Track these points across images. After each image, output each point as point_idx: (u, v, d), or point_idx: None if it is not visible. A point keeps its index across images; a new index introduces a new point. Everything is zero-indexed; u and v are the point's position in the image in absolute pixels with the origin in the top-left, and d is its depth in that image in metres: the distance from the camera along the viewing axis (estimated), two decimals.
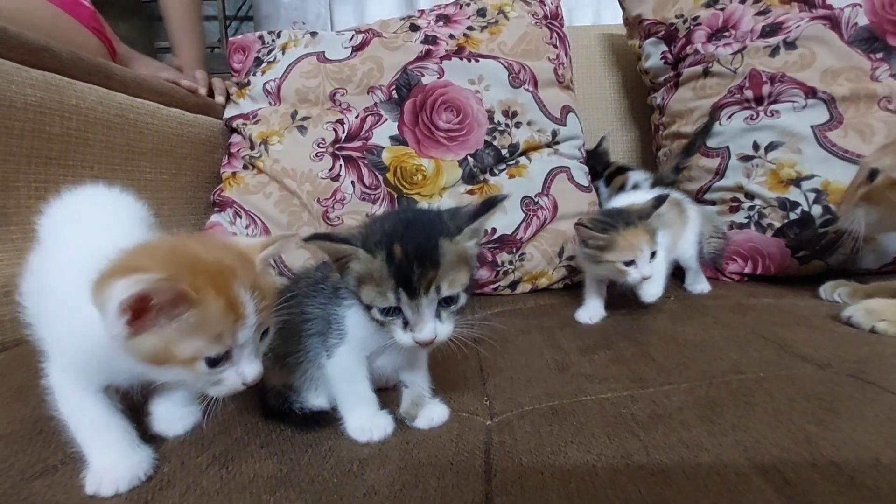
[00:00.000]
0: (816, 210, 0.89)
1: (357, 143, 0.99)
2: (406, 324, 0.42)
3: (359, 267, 0.43)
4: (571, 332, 0.76)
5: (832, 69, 0.92)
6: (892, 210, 0.68)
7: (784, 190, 0.92)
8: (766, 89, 0.95)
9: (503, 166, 1.01)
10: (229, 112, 1.11)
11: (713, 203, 1.03)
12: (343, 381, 0.48)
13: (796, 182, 0.90)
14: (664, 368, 0.57)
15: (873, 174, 0.70)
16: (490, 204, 0.44)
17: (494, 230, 0.95)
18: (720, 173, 1.00)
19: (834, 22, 0.93)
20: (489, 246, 0.94)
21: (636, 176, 1.19)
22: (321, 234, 0.43)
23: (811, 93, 0.91)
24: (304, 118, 1.03)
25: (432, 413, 0.49)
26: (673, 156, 1.09)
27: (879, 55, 0.92)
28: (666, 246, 0.86)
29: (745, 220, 0.96)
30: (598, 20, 1.87)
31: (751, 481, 0.35)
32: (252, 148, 1.02)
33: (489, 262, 0.95)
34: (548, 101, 1.06)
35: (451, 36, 1.09)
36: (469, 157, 0.98)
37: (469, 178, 0.97)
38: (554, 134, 1.06)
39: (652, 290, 0.80)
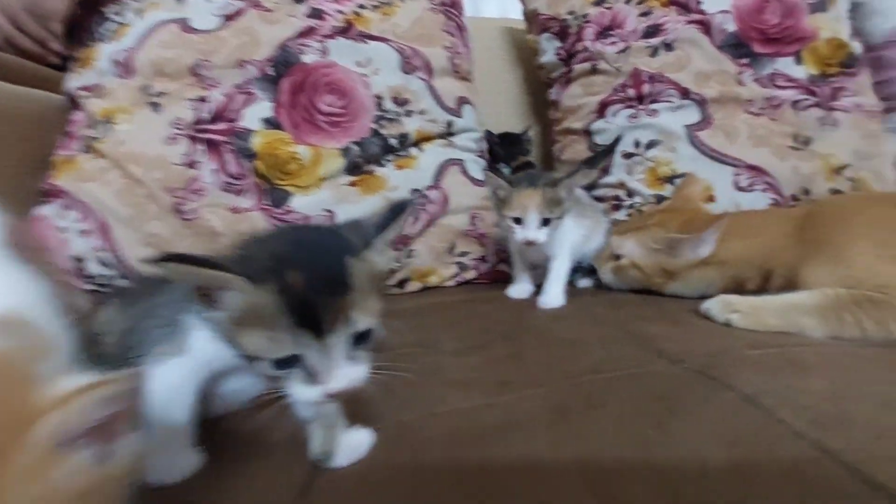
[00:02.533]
0: None
1: (222, 125, 0.87)
2: (309, 374, 0.33)
3: (237, 303, 0.32)
4: (453, 332, 0.72)
5: (704, 72, 0.96)
6: (637, 281, 0.82)
7: (661, 187, 0.95)
8: (646, 88, 0.97)
9: (391, 157, 0.94)
10: (69, 82, 0.93)
11: (601, 200, 1.04)
12: (159, 402, 0.37)
13: (671, 179, 0.94)
14: (530, 371, 0.55)
15: (618, 257, 0.84)
16: (399, 209, 0.37)
17: None
18: (606, 170, 1.02)
19: (706, 26, 0.98)
20: None
21: None
22: (177, 256, 0.30)
23: (685, 93, 0.95)
24: (160, 94, 0.89)
25: (353, 443, 0.40)
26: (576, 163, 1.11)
27: (745, 61, 0.98)
28: (576, 239, 0.87)
29: (627, 218, 0.98)
30: (504, 13, 1.87)
31: (582, 499, 0.32)
32: (92, 127, 0.87)
33: None
34: (442, 91, 1.02)
35: (340, 12, 1.00)
36: (353, 146, 0.90)
37: (352, 168, 0.90)
38: (448, 125, 1.02)
39: (544, 298, 0.79)
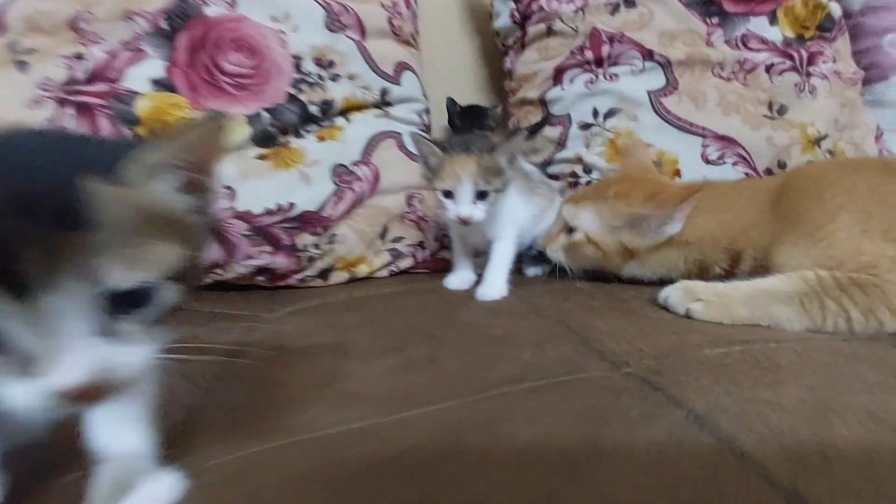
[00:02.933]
0: None
1: (101, 87, 0.73)
2: (17, 361, 0.20)
3: None
4: (371, 331, 0.60)
5: (670, 31, 0.85)
6: (592, 260, 0.71)
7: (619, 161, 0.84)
8: (605, 50, 0.86)
9: (312, 127, 0.81)
10: None
11: (556, 178, 0.93)
12: None
13: None
14: (442, 380, 0.43)
15: (571, 230, 0.72)
16: (211, 124, 0.25)
17: (292, 205, 0.75)
18: (562, 143, 0.90)
19: None
20: (285, 225, 0.75)
21: None
22: None
23: (648, 55, 0.84)
24: (29, 51, 0.74)
25: (154, 493, 0.28)
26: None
27: (715, 20, 0.87)
28: (523, 219, 0.76)
29: None
30: None
31: None
32: None
33: (286, 247, 0.75)
34: (377, 54, 0.88)
35: None
36: (264, 113, 0.77)
37: (263, 139, 0.76)
38: (383, 93, 0.89)
39: (482, 289, 0.68)
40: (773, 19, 0.89)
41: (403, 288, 0.78)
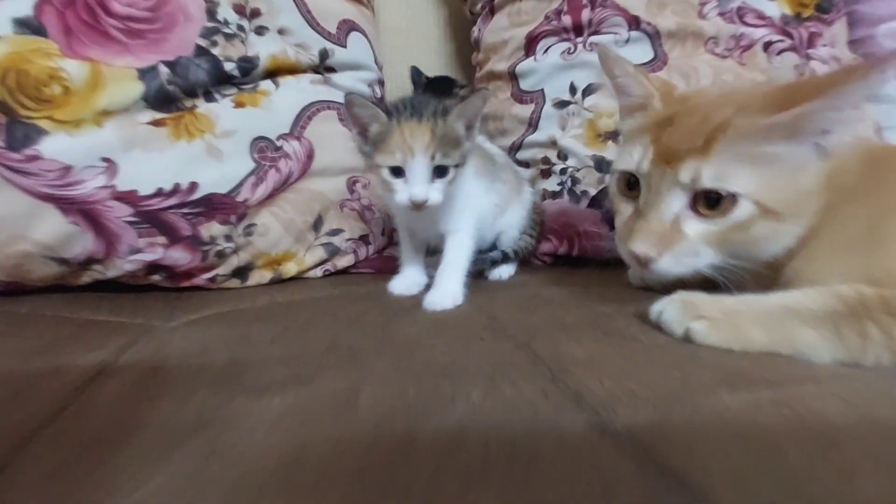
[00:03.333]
0: None
1: None
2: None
3: None
4: (284, 348, 0.46)
5: None
6: (756, 248, 0.48)
7: (601, 146, 0.72)
8: (585, 15, 0.74)
9: (228, 89, 0.66)
10: None
11: (527, 165, 0.81)
12: None
13: (615, 136, 0.71)
14: (352, 437, 0.29)
15: (716, 200, 0.59)
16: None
17: (194, 185, 0.60)
18: (533, 124, 0.78)
19: None
20: (185, 211, 0.59)
21: None
22: None
23: (635, 23, 0.72)
24: None
25: None
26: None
27: None
28: (483, 208, 0.63)
29: (558, 188, 0.75)
30: None
31: None
32: None
33: (186, 238, 0.60)
34: (317, 9, 0.73)
35: None
36: (163, 67, 0.61)
37: (159, 99, 0.60)
38: (324, 55, 0.74)
39: (431, 296, 0.55)
40: None
41: (338, 292, 0.64)
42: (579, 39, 0.74)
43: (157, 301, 0.62)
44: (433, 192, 0.53)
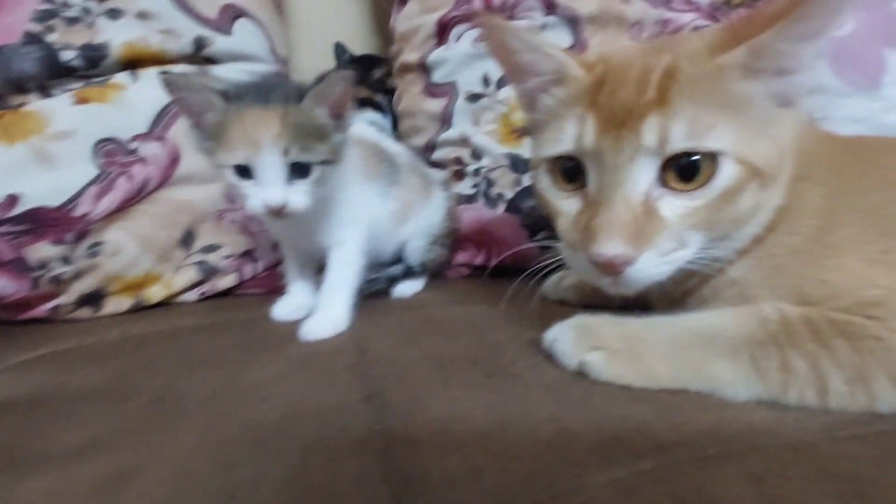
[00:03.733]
0: None
1: None
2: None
3: None
4: (98, 402, 0.38)
5: None
6: (739, 224, 0.38)
7: (516, 142, 0.64)
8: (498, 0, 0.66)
9: (76, 83, 0.55)
10: None
11: (441, 166, 0.73)
12: None
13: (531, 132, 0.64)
14: None
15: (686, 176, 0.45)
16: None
17: (14, 199, 0.49)
18: (446, 120, 0.70)
19: None
20: (7, 230, 0.48)
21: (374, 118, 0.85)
22: None
23: (551, 7, 0.65)
24: None
25: None
26: None
27: None
28: (376, 214, 0.54)
29: (473, 191, 0.67)
30: None
31: None
32: None
33: (8, 263, 0.49)
34: None
35: None
36: None
37: None
38: (200, 44, 0.64)
39: (308, 324, 0.46)
40: None
41: (211, 320, 0.54)
42: None
43: None
44: (294, 196, 0.43)
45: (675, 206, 0.31)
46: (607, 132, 0.31)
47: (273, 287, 0.63)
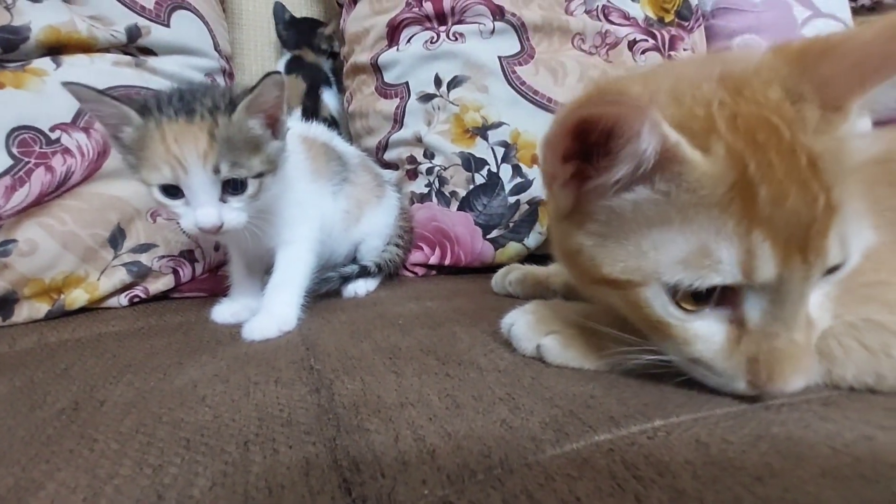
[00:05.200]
0: (506, 171, 0.64)
1: None
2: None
3: None
4: (10, 415, 0.32)
5: None
6: None
7: (469, 142, 0.65)
8: (447, 4, 0.67)
9: None
10: None
11: (395, 167, 0.72)
12: None
13: (482, 131, 0.65)
14: None
15: None
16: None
17: None
18: (399, 120, 0.69)
19: None
20: None
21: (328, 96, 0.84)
22: None
23: (499, 13, 0.67)
24: None
25: None
26: None
27: None
28: (327, 217, 0.53)
29: (426, 189, 0.67)
30: None
31: None
32: None
33: None
34: None
35: None
36: None
37: None
38: (133, 33, 0.60)
39: (251, 323, 0.43)
40: None
41: (140, 325, 0.50)
42: (442, 28, 0.68)
43: None
44: (229, 214, 0.40)
45: (823, 308, 0.27)
46: (789, 259, 0.24)
47: (216, 290, 0.59)
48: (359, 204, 0.57)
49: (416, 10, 0.69)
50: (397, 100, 0.70)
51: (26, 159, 0.48)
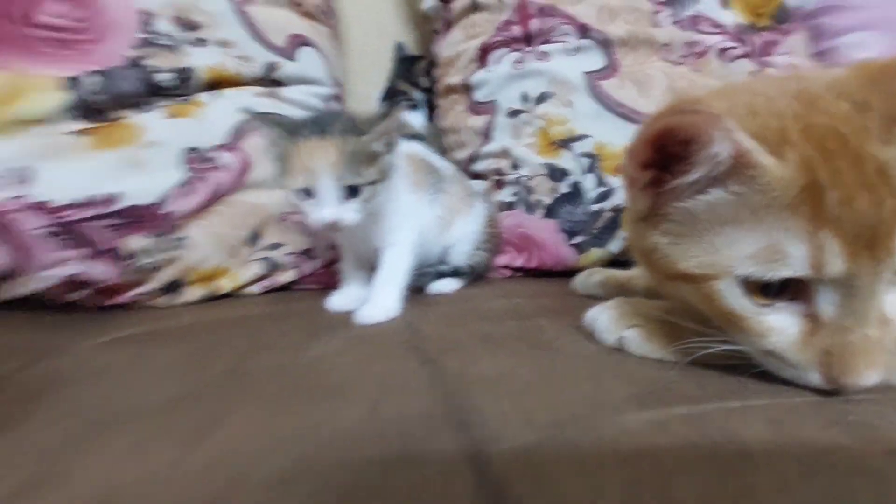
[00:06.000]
0: (590, 181, 0.68)
1: None
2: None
3: None
4: (177, 374, 0.42)
5: (610, 7, 0.72)
6: None
7: (554, 154, 0.69)
8: (535, 25, 0.72)
9: (166, 101, 0.63)
10: None
11: (483, 177, 0.78)
12: None
13: (566, 143, 0.68)
14: (185, 471, 0.25)
15: None
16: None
17: (113, 197, 0.56)
18: (487, 135, 0.75)
19: None
20: (104, 223, 0.56)
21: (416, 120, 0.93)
22: None
23: (583, 31, 0.71)
24: None
25: None
26: None
27: None
28: (423, 222, 0.60)
29: (513, 198, 0.72)
30: None
31: None
32: None
33: (104, 252, 0.56)
34: (264, 21, 0.72)
35: None
36: (89, 77, 0.58)
37: (84, 110, 0.58)
38: (270, 68, 0.72)
39: (363, 309, 0.51)
40: (724, 2, 0.78)
41: (272, 310, 0.60)
42: (529, 48, 0.73)
43: (78, 321, 0.58)
44: (347, 213, 0.49)
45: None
46: (858, 255, 0.26)
47: (329, 283, 0.68)
48: (451, 212, 0.64)
49: (505, 33, 0.75)
50: (486, 116, 0.76)
51: (194, 174, 0.61)
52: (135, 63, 0.61)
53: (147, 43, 0.63)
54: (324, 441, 0.25)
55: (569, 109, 0.69)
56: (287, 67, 0.74)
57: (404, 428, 0.26)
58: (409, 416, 0.27)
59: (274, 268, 0.66)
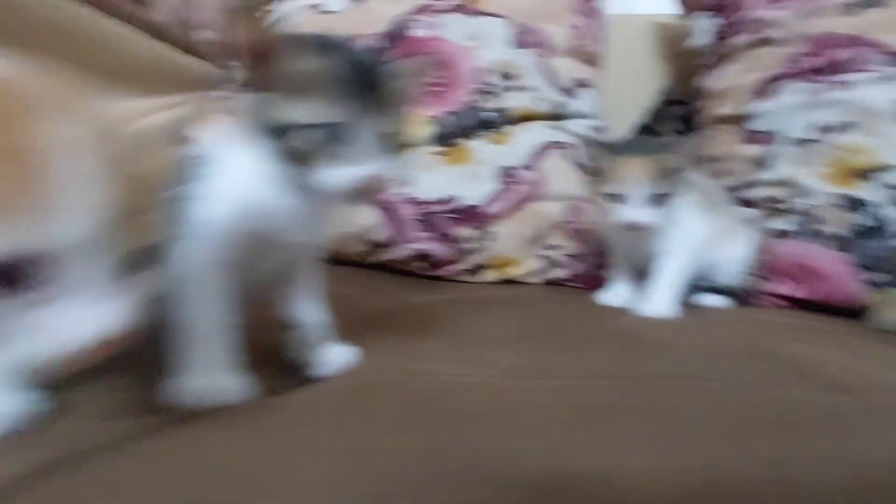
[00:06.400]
0: (894, 214, 0.63)
1: None
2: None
3: None
4: (518, 324, 0.58)
5: None
6: None
7: (850, 184, 0.67)
8: (835, 55, 0.72)
9: (486, 132, 0.86)
10: None
11: (754, 205, 0.79)
12: None
13: (865, 174, 0.66)
14: (584, 362, 0.38)
15: None
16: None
17: (455, 198, 0.80)
18: (763, 164, 0.77)
19: None
20: (449, 216, 0.79)
21: None
22: None
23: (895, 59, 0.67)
24: None
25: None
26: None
27: None
28: (698, 235, 0.67)
29: (794, 227, 0.72)
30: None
31: None
32: None
33: (446, 236, 0.79)
34: (557, 70, 0.90)
35: None
36: (448, 116, 0.84)
37: (443, 138, 0.83)
38: (558, 106, 0.89)
39: (647, 303, 0.62)
40: None
41: (553, 295, 0.75)
42: (821, 78, 0.72)
43: (411, 284, 0.83)
44: (647, 215, 0.60)
45: None
46: None
47: (590, 285, 0.80)
48: (718, 232, 0.68)
49: (795, 65, 0.76)
50: (764, 146, 0.77)
51: (505, 186, 0.81)
52: (472, 106, 0.85)
53: (480, 91, 0.86)
54: (684, 372, 0.36)
55: (872, 139, 0.66)
56: (570, 105, 0.90)
57: (766, 377, 0.35)
58: (767, 372, 0.35)
59: (552, 264, 0.81)
